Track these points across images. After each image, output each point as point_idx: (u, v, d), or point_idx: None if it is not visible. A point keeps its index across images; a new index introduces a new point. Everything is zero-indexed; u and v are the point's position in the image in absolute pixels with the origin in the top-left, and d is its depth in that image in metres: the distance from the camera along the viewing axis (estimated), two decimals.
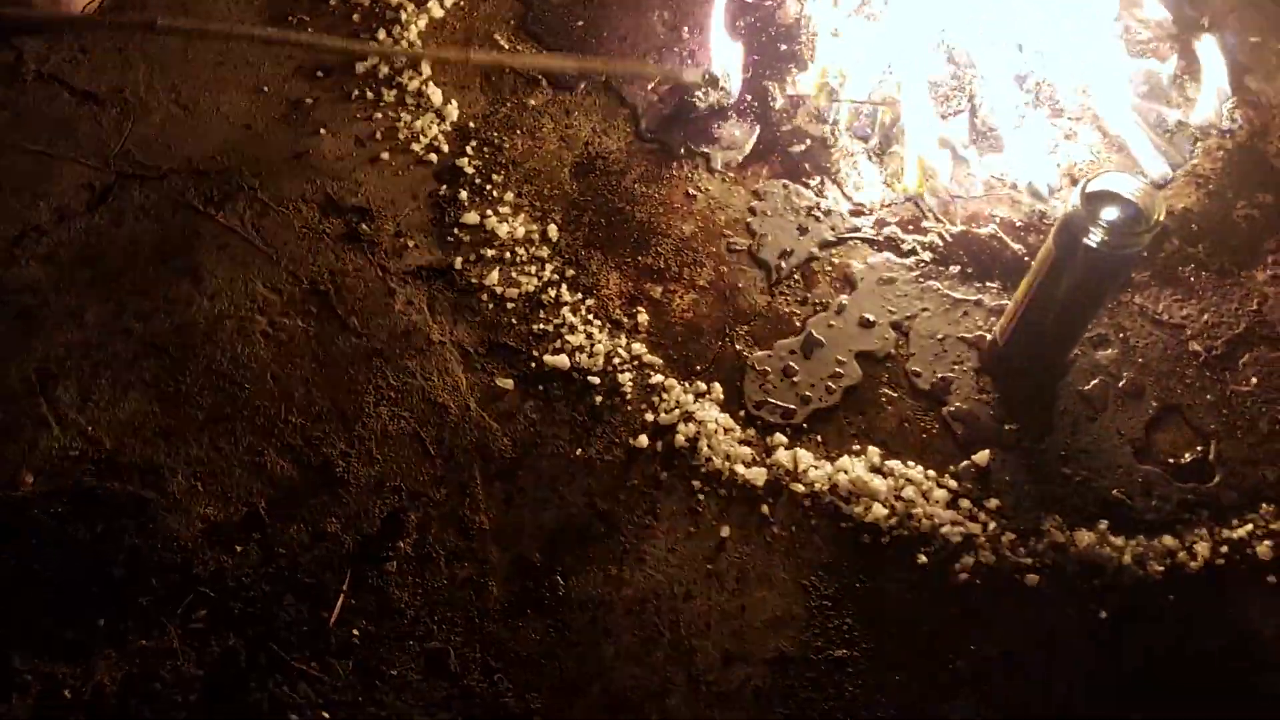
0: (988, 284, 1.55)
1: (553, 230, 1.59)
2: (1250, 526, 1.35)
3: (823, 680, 1.26)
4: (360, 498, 1.35)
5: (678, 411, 1.43)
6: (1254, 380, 1.46)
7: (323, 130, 1.67)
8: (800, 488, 1.37)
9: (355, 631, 1.26)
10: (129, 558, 1.29)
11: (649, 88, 1.74)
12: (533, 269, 1.55)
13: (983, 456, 1.40)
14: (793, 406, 1.45)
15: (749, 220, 1.62)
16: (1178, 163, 1.64)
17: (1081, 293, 1.29)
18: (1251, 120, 1.69)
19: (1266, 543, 1.34)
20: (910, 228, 1.59)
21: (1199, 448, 1.41)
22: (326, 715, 1.20)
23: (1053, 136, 1.66)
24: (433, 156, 1.66)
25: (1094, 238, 1.19)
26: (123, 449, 1.38)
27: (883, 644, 1.28)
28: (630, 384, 1.45)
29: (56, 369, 1.44)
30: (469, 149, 1.66)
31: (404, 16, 1.79)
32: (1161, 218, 1.19)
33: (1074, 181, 1.62)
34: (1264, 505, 1.37)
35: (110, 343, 1.47)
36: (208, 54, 1.74)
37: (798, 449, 1.41)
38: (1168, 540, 1.34)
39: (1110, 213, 1.21)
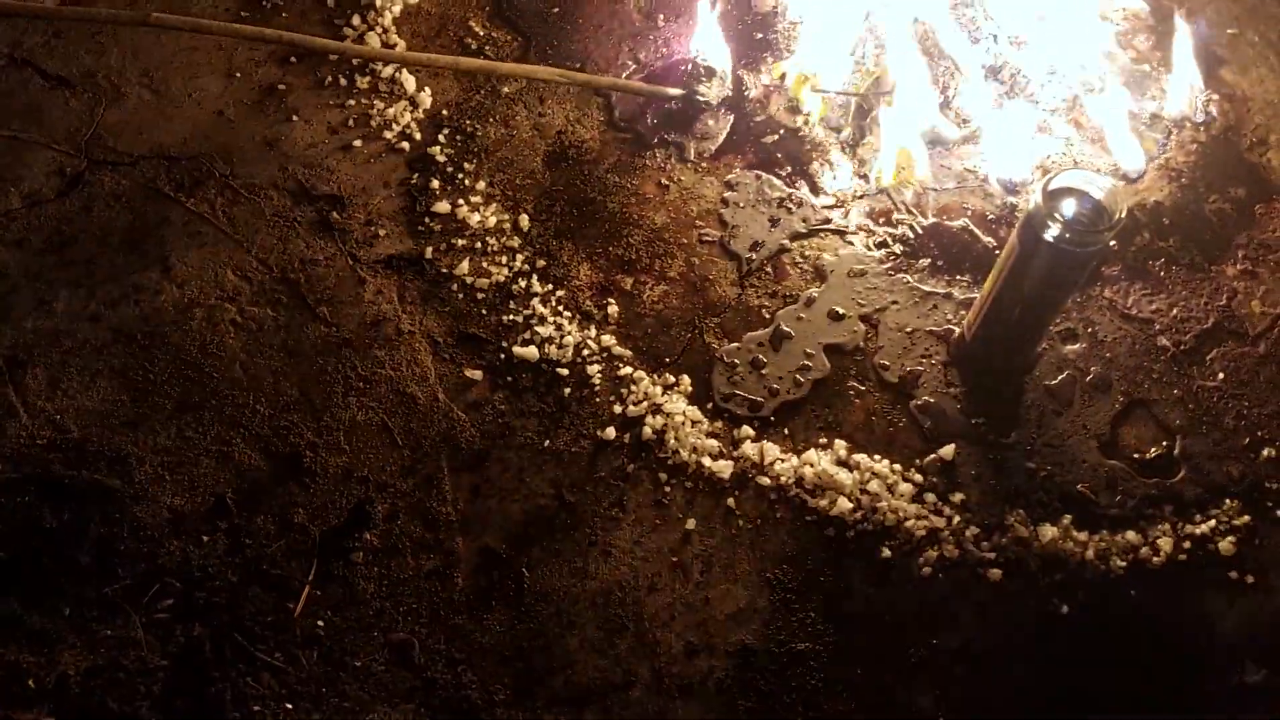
0: (958, 277, 1.55)
1: (524, 220, 1.59)
2: (1213, 522, 1.36)
3: (785, 672, 1.27)
4: (328, 488, 1.36)
5: (646, 404, 1.43)
6: (1221, 375, 1.47)
7: (295, 117, 1.67)
8: (766, 480, 1.38)
9: (320, 623, 1.27)
10: (96, 546, 1.30)
11: (624, 76, 1.73)
12: (503, 259, 1.55)
13: (949, 450, 1.40)
14: (760, 399, 1.45)
15: (721, 211, 1.62)
16: (1151, 155, 1.64)
17: (1045, 289, 1.29)
18: (1226, 113, 1.69)
19: (1229, 538, 1.35)
20: (882, 220, 1.59)
21: (1164, 443, 1.42)
22: (289, 706, 1.21)
23: (1027, 129, 1.65)
24: (405, 144, 1.65)
25: (1055, 234, 1.20)
26: (90, 437, 1.38)
27: (845, 637, 1.29)
28: (599, 376, 1.45)
29: (25, 356, 1.44)
30: (441, 137, 1.66)
31: (379, 3, 1.78)
32: (1124, 215, 1.19)
33: (1045, 173, 1.62)
34: (1227, 501, 1.38)
35: (79, 330, 1.47)
36: (181, 39, 1.73)
37: (765, 442, 1.41)
38: (1131, 536, 1.35)
39: (1072, 209, 1.21)
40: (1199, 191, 1.61)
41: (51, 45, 1.72)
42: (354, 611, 1.28)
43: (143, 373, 1.43)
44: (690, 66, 1.68)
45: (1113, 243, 1.52)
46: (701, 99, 1.66)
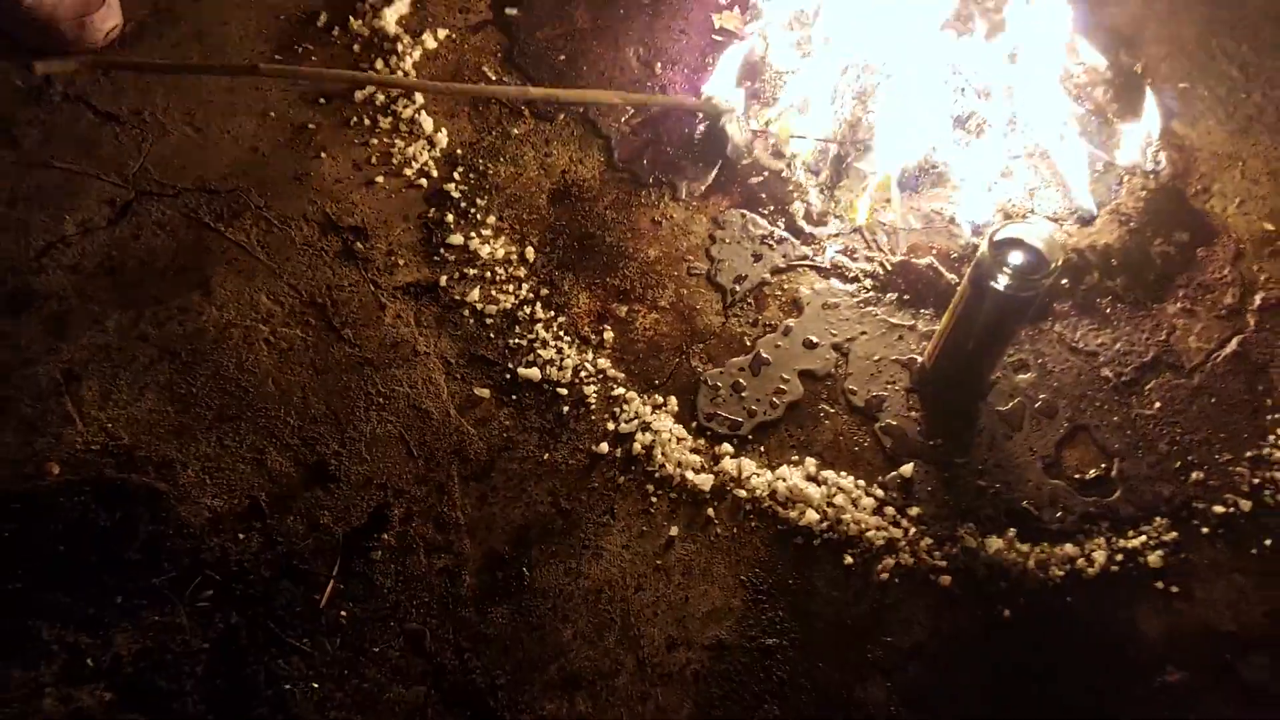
0: (922, 310, 1.70)
1: (530, 252, 1.75)
2: (1144, 538, 1.51)
3: (755, 665, 1.42)
4: (350, 493, 1.52)
5: (636, 421, 1.59)
6: (1157, 405, 1.62)
7: (323, 154, 1.83)
8: (743, 493, 1.54)
9: (343, 613, 1.43)
10: (144, 542, 1.46)
11: (622, 120, 1.89)
12: (510, 287, 1.71)
13: (908, 468, 1.56)
14: (740, 419, 1.61)
15: (709, 246, 1.77)
16: (1104, 201, 1.79)
17: (992, 327, 1.45)
18: (1175, 162, 1.84)
19: (1157, 552, 1.50)
20: (855, 257, 1.75)
21: (1103, 465, 1.57)
22: (315, 686, 1.37)
23: (991, 174, 1.80)
24: (423, 181, 1.81)
25: (999, 281, 1.35)
26: (139, 444, 1.55)
27: (809, 635, 1.45)
28: (595, 395, 1.61)
29: (80, 370, 1.60)
30: (456, 174, 1.82)
31: (400, 47, 1.95)
32: (1060, 264, 1.35)
33: (1008, 216, 1.77)
34: (1157, 519, 1.53)
35: (129, 346, 1.63)
36: (220, 80, 1.89)
37: (742, 458, 1.57)
38: (1069, 548, 1.50)
39: (1015, 258, 1.36)
40: (1146, 235, 1.76)
41: (101, 83, 1.89)
42: (373, 603, 1.44)
43: (186, 386, 1.59)
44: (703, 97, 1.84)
45: (1064, 281, 1.69)
46: (726, 110, 1.82)
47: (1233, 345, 1.67)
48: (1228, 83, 1.96)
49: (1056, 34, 1.91)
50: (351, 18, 1.98)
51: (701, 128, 1.87)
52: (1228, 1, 2.07)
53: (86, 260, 1.70)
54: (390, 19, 1.98)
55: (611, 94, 1.87)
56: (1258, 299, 1.71)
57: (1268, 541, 1.50)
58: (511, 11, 2.03)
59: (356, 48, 1.96)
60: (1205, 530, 1.51)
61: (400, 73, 1.92)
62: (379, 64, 1.93)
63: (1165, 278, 1.73)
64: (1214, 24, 2.03)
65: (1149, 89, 1.87)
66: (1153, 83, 1.92)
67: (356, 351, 1.64)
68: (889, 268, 1.73)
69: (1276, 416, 1.61)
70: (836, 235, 1.77)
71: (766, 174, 1.82)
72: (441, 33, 1.98)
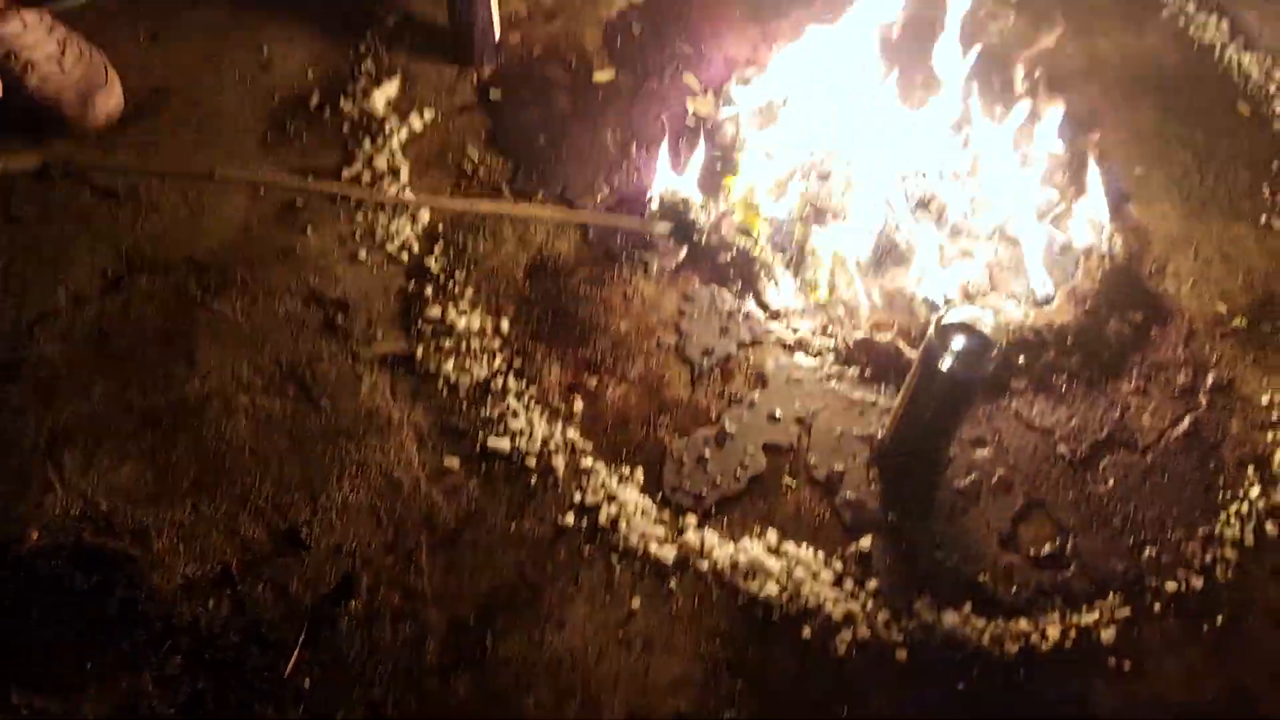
0: (883, 386, 1.75)
1: (505, 324, 1.81)
2: (1097, 613, 1.54)
3: None
4: (320, 561, 1.55)
5: (603, 493, 1.63)
6: (1111, 482, 1.66)
7: (309, 229, 1.90)
8: (705, 565, 1.57)
9: (308, 680, 1.46)
10: (117, 608, 1.49)
11: (598, 198, 1.97)
12: (485, 359, 1.77)
13: (867, 542, 1.59)
14: (704, 491, 1.65)
15: (678, 320, 1.83)
16: (1061, 281, 1.85)
17: (943, 405, 1.50)
18: (1130, 244, 1.91)
19: (1111, 628, 1.53)
20: (819, 332, 1.80)
21: (1058, 540, 1.61)
22: None
23: (951, 254, 1.87)
24: (404, 255, 1.88)
25: (946, 364, 1.40)
26: (117, 511, 1.59)
27: (768, 707, 1.47)
28: (563, 466, 1.65)
29: (65, 437, 1.65)
30: (436, 249, 1.89)
31: (388, 128, 2.03)
32: (1004, 347, 1.40)
33: (968, 295, 1.83)
34: (1111, 595, 1.56)
35: (113, 415, 1.68)
36: (215, 158, 1.97)
37: (705, 530, 1.61)
38: (1023, 623, 1.53)
39: (960, 342, 1.42)
40: (1101, 315, 1.82)
41: (103, 162, 1.97)
42: (338, 671, 1.47)
43: (165, 454, 1.64)
44: (660, 197, 1.91)
45: (1021, 359, 1.74)
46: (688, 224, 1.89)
47: (1185, 424, 1.71)
48: (1181, 167, 2.03)
49: (1016, 121, 1.99)
50: (342, 99, 2.07)
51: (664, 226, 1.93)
52: (1182, 90, 2.15)
53: (77, 331, 1.76)
54: (379, 101, 2.06)
55: (553, 210, 1.93)
56: (1210, 378, 1.76)
57: (1219, 619, 1.53)
58: (496, 95, 2.11)
59: (345, 128, 2.04)
60: (1158, 607, 1.54)
61: (387, 152, 1.99)
62: (366, 143, 2.00)
63: (1120, 357, 1.78)
64: (1169, 111, 2.11)
65: (1105, 173, 1.93)
66: (1109, 167, 1.99)
67: (332, 421, 1.69)
68: (851, 344, 1.78)
69: (1228, 495, 1.64)
70: (802, 311, 1.83)
71: (734, 251, 1.89)
72: (428, 114, 2.07)
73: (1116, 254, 1.89)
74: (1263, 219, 1.97)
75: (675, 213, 1.90)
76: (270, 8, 2.20)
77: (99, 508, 1.59)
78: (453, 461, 1.66)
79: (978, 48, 1.98)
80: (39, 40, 1.89)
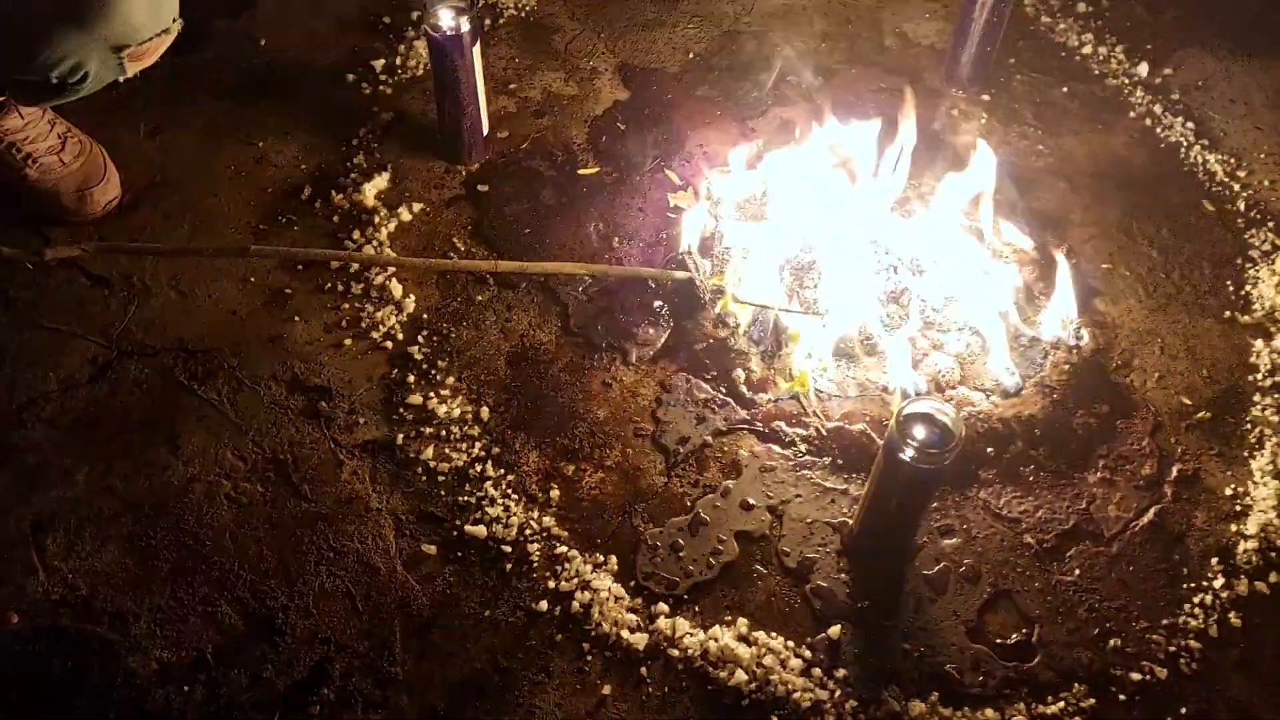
0: (855, 475, 1.78)
1: (485, 412, 1.85)
2: (1063, 704, 1.55)
3: None
4: (294, 647, 1.57)
5: (577, 580, 1.65)
6: (1077, 572, 1.68)
7: (297, 317, 1.95)
8: (676, 652, 1.58)
9: None
10: (92, 692, 1.51)
11: (580, 289, 2.03)
12: (464, 446, 1.80)
13: (836, 630, 1.61)
14: (677, 579, 1.67)
15: (655, 409, 1.87)
16: (1029, 373, 1.90)
17: (907, 495, 1.53)
18: (1097, 338, 1.96)
19: (1077, 719, 1.54)
20: (792, 422, 1.84)
21: (1024, 630, 1.62)
22: None
23: (922, 346, 1.91)
24: (389, 344, 1.93)
25: (908, 455, 1.44)
26: (97, 595, 1.61)
27: None
28: (538, 553, 1.68)
29: (48, 522, 1.68)
30: (420, 337, 1.94)
31: (377, 219, 2.10)
32: (962, 437, 1.44)
33: (939, 387, 1.88)
34: (1076, 685, 1.57)
35: (96, 500, 1.71)
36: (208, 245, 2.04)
37: (677, 617, 1.62)
38: (989, 713, 1.54)
39: (921, 433, 1.46)
40: (1068, 407, 1.86)
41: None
42: None
43: (146, 539, 1.67)
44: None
45: (989, 450, 1.77)
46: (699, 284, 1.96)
47: (1150, 515, 1.74)
48: (1148, 263, 2.09)
49: (986, 218, 2.06)
50: (333, 191, 2.14)
51: (659, 302, 1.99)
52: (1148, 188, 2.22)
53: (64, 415, 1.80)
54: (369, 193, 2.14)
55: (577, 265, 2.01)
56: (1174, 470, 1.80)
57: (1184, 710, 1.54)
58: (482, 188, 2.19)
59: (336, 219, 2.11)
60: (1123, 697, 1.55)
61: (375, 243, 2.06)
62: (356, 234, 2.07)
63: (1087, 448, 1.82)
64: (1135, 209, 2.18)
65: (1073, 269, 1.99)
66: (1077, 263, 2.05)
67: (312, 507, 1.72)
68: (824, 433, 1.82)
69: (1192, 585, 1.66)
70: (776, 401, 1.87)
71: (711, 341, 1.94)
72: (416, 206, 2.14)
73: (1084, 347, 1.94)
74: (1226, 314, 2.02)
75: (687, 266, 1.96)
76: (267, 106, 2.29)
77: (79, 592, 1.61)
78: (430, 548, 1.68)
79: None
80: (40, 133, 1.97)
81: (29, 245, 1.97)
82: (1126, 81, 2.45)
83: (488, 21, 2.53)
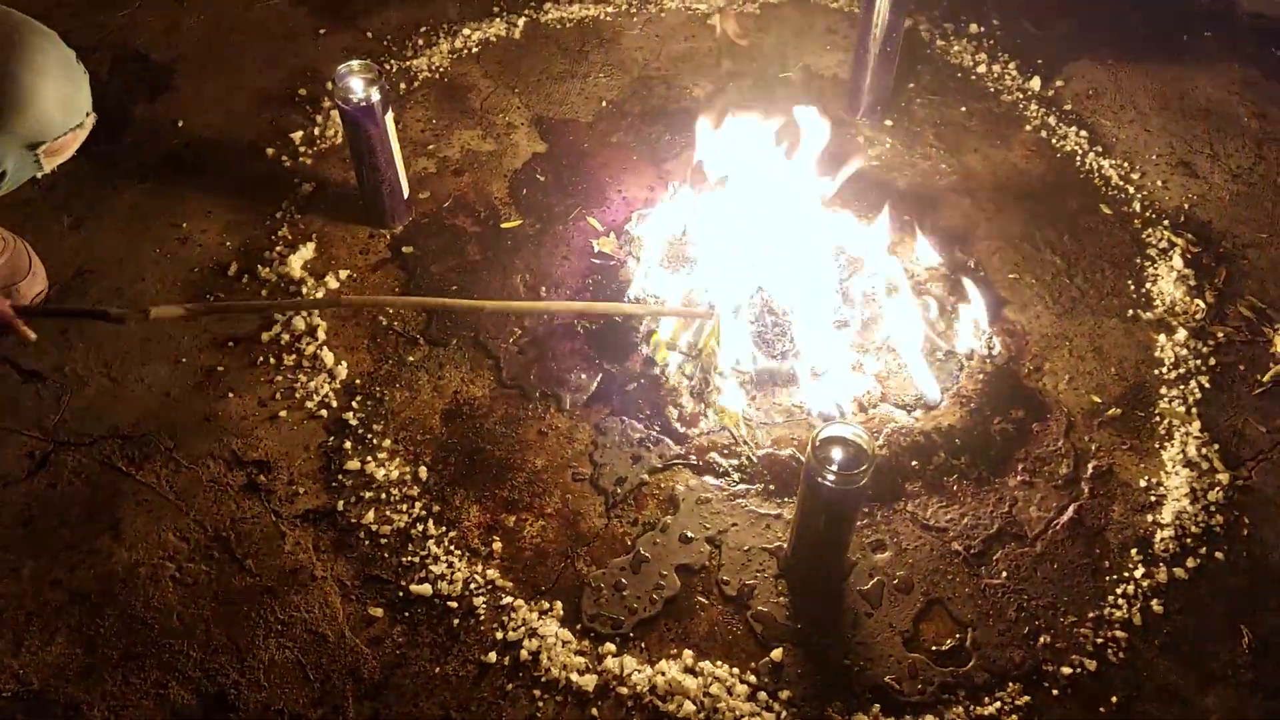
0: (787, 499, 1.84)
1: (423, 471, 1.88)
2: (999, 703, 1.61)
3: None
4: None
5: (524, 628, 1.69)
6: (1004, 574, 1.75)
7: (231, 394, 1.98)
8: (624, 690, 1.62)
9: None
10: None
11: (510, 341, 2.07)
12: (404, 507, 1.84)
13: (778, 653, 1.66)
14: (621, 617, 1.71)
15: (591, 452, 1.92)
16: (947, 385, 1.97)
17: (830, 517, 1.59)
18: (1008, 346, 2.04)
19: (1013, 717, 1.59)
20: (724, 452, 1.90)
21: (958, 635, 1.68)
22: None
23: (844, 369, 1.98)
24: (323, 412, 1.96)
25: (826, 479, 1.50)
26: (49, 688, 1.62)
27: None
28: (484, 606, 1.71)
29: None
30: (354, 403, 1.97)
31: (305, 290, 2.13)
32: (874, 457, 1.50)
33: (862, 407, 1.94)
34: (1011, 684, 1.63)
35: (42, 593, 1.72)
36: (136, 331, 2.06)
37: (625, 655, 1.66)
38: (929, 719, 1.59)
39: (837, 456, 1.52)
40: (985, 414, 1.93)
41: (25, 345, 2.04)
42: None
43: (94, 628, 1.68)
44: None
45: (913, 463, 1.84)
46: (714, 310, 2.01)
47: (1070, 513, 1.81)
48: (1052, 270, 2.18)
49: (896, 239, 2.14)
50: (260, 265, 2.18)
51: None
52: (1047, 197, 2.32)
53: (4, 512, 1.81)
54: (295, 264, 2.17)
55: (573, 304, 2.06)
56: (1090, 467, 1.87)
57: (1114, 699, 1.61)
58: (408, 250, 2.23)
59: (265, 293, 2.14)
60: (1055, 692, 1.62)
61: (305, 312, 2.10)
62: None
63: (1005, 453, 1.89)
64: (1037, 219, 2.28)
65: (982, 281, 2.08)
66: (985, 275, 2.14)
67: (257, 581, 1.74)
68: (755, 460, 1.88)
69: (1114, 577, 1.74)
70: (707, 433, 1.92)
71: (642, 381, 1.99)
72: (344, 273, 2.18)
73: (996, 356, 2.02)
74: (1129, 312, 2.11)
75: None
76: (188, 186, 2.33)
77: (30, 686, 1.62)
78: (377, 610, 1.71)
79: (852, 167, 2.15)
80: None
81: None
82: (1021, 96, 2.57)
83: (403, 85, 2.58)
